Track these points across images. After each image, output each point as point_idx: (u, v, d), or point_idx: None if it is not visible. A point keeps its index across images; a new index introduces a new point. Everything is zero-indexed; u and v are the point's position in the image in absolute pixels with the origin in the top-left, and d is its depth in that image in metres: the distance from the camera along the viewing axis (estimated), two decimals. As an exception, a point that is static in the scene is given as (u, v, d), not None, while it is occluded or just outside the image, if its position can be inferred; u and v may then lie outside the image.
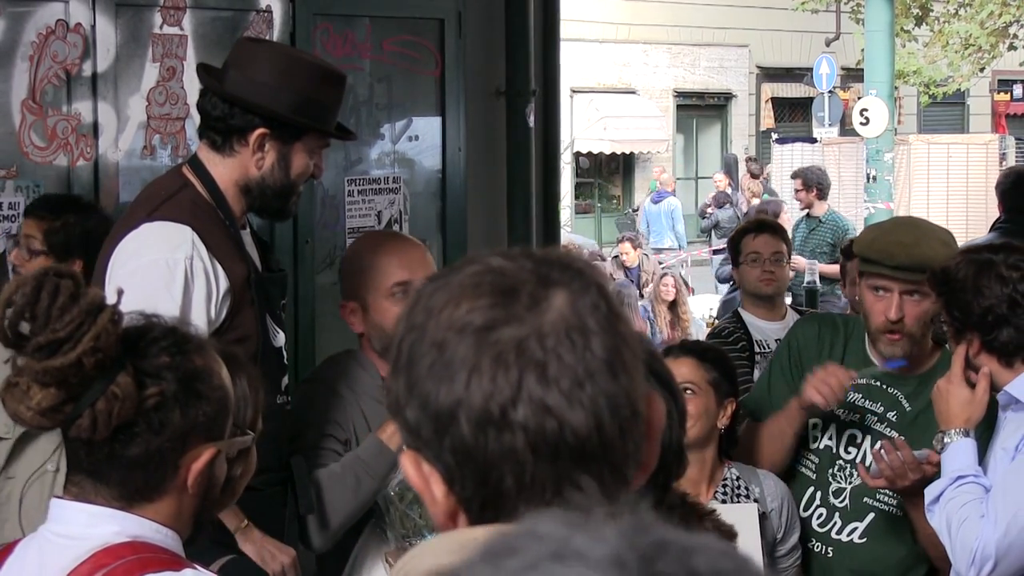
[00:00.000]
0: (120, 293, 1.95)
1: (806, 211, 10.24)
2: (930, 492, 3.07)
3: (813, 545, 3.54)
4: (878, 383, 3.52)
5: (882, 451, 3.28)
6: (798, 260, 8.89)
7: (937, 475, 3.13)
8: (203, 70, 3.26)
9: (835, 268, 8.34)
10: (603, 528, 0.71)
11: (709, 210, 17.82)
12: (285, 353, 3.27)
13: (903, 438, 3.34)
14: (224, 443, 1.97)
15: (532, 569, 0.69)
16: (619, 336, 1.18)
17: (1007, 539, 2.90)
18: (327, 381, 3.37)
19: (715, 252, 16.12)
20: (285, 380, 3.27)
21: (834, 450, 3.53)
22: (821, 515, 3.54)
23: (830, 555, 3.52)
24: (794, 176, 10.94)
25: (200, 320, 2.91)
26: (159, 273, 2.92)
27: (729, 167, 20.02)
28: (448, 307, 1.17)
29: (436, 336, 1.16)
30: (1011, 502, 2.92)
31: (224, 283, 3.01)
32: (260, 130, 3.08)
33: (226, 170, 3.11)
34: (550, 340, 1.15)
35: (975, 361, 3.09)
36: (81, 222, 3.97)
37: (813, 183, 10.09)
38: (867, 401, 3.51)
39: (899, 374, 3.50)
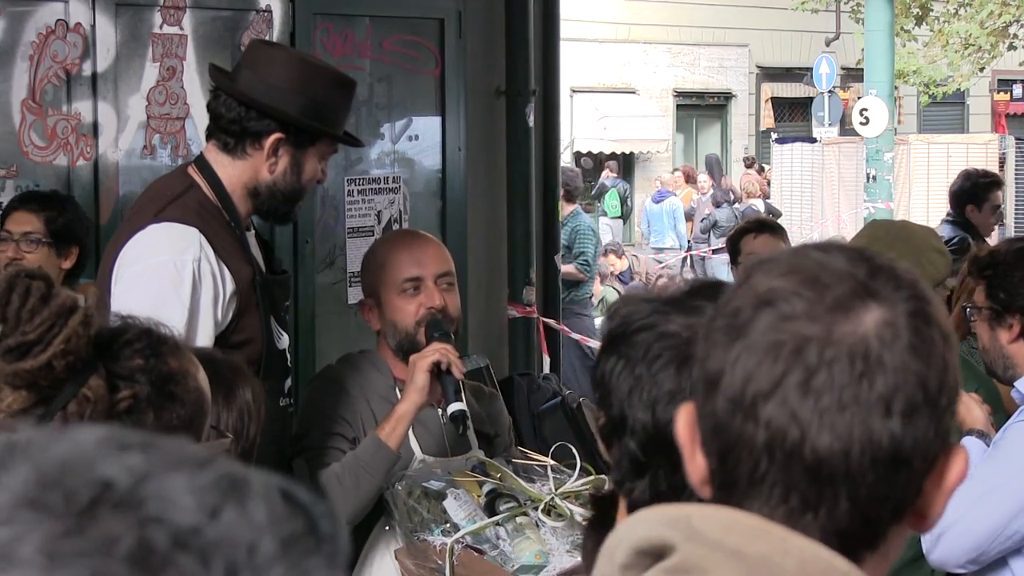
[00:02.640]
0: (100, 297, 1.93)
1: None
2: None
3: None
4: None
5: None
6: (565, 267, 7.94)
7: None
8: (216, 71, 3.21)
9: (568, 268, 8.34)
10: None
11: (707, 210, 17.83)
12: (289, 356, 3.26)
13: None
14: (201, 447, 1.94)
15: None
16: (920, 381, 1.10)
17: (944, 520, 2.91)
18: (338, 379, 3.37)
19: (715, 252, 16.11)
20: (288, 383, 3.25)
21: None
22: None
23: None
24: None
25: (207, 323, 2.90)
26: (167, 275, 2.89)
27: (711, 168, 19.97)
28: (761, 277, 1.14)
29: (738, 302, 1.14)
30: (961, 490, 2.93)
31: (230, 285, 2.98)
32: (276, 135, 3.05)
33: (235, 172, 3.08)
34: (831, 351, 1.09)
35: (1007, 348, 3.08)
36: (73, 211, 4.24)
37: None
38: None
39: None
